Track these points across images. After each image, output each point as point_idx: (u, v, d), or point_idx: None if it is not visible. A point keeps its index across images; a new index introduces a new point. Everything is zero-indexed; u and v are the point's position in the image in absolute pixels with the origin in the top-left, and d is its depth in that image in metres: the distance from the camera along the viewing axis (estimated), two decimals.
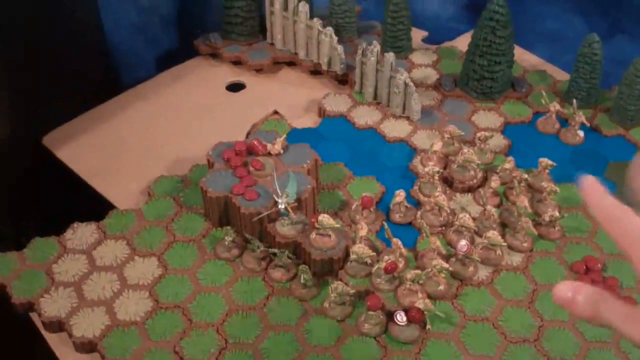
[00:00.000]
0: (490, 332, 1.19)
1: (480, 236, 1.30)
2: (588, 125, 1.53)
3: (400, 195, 1.35)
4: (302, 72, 1.72)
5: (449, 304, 1.23)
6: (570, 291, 0.70)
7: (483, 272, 1.27)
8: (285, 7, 1.67)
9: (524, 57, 1.76)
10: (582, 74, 1.56)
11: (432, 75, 1.70)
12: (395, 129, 1.55)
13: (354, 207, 1.35)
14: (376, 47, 1.55)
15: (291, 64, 1.74)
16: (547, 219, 1.32)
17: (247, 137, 1.53)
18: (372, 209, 1.35)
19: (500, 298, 1.24)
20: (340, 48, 1.63)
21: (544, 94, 1.57)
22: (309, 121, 1.59)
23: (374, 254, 1.25)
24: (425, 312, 1.18)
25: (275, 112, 1.61)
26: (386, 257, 1.24)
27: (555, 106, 1.54)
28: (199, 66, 1.74)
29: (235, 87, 1.70)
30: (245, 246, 1.29)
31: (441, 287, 1.23)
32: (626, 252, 0.67)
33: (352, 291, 1.20)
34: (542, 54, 1.79)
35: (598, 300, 0.68)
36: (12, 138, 1.44)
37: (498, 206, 1.38)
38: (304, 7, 1.63)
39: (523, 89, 1.64)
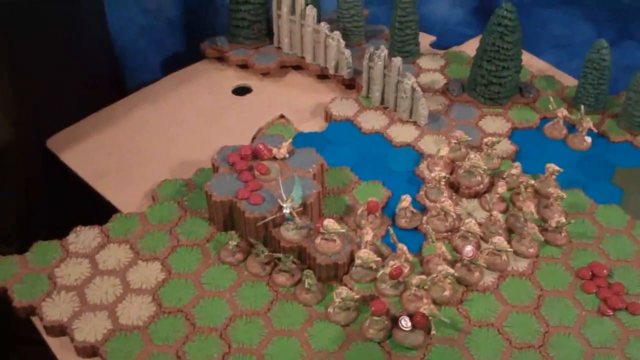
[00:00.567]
0: (496, 338, 1.18)
1: (486, 242, 1.29)
2: (595, 131, 1.52)
3: (406, 200, 1.34)
4: (309, 76, 1.72)
5: (454, 309, 1.22)
6: None
7: (489, 278, 1.26)
8: (293, 11, 1.66)
9: (532, 63, 1.75)
10: (590, 79, 1.55)
11: (439, 80, 1.69)
12: (402, 133, 1.54)
13: (359, 211, 1.34)
14: (384, 51, 1.55)
15: (298, 67, 1.73)
16: (553, 224, 1.31)
17: (252, 141, 1.52)
18: (377, 214, 1.34)
19: (506, 304, 1.23)
20: (347, 52, 1.62)
21: (551, 99, 1.56)
22: (316, 125, 1.58)
23: (379, 259, 1.24)
24: (430, 318, 1.17)
25: (282, 116, 1.60)
26: (391, 263, 1.23)
27: (562, 112, 1.53)
28: (205, 70, 1.74)
29: (242, 91, 1.69)
30: (250, 251, 1.28)
31: (446, 293, 1.22)
32: None
33: (356, 296, 1.19)
34: (550, 60, 1.78)
35: None
36: (17, 141, 1.44)
37: (504, 212, 1.37)
38: (311, 11, 1.62)
39: (531, 95, 1.63)
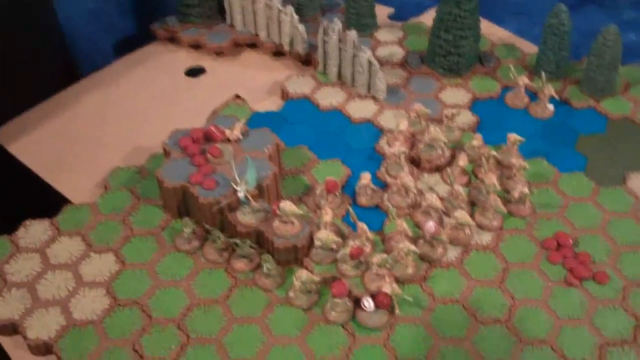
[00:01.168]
0: (461, 314, 1.15)
1: (449, 216, 1.26)
2: (558, 98, 1.50)
3: (366, 177, 1.31)
4: (264, 54, 1.67)
5: (417, 287, 1.19)
6: None
7: (452, 253, 1.24)
8: None
9: (492, 31, 1.72)
10: (551, 45, 1.52)
11: (398, 52, 1.66)
12: (360, 109, 1.51)
13: (318, 191, 1.31)
14: (337, 24, 1.50)
15: (252, 45, 1.69)
16: (516, 196, 1.28)
17: (207, 123, 1.48)
18: (337, 193, 1.30)
19: (470, 279, 1.20)
20: (302, 27, 1.58)
21: (512, 68, 1.53)
22: (272, 104, 1.54)
23: (339, 239, 1.21)
24: (393, 297, 1.14)
25: (237, 97, 1.56)
26: (352, 242, 1.20)
27: (523, 80, 1.51)
28: (156, 52, 1.69)
29: (195, 72, 1.64)
30: (206, 237, 1.25)
31: (409, 270, 1.19)
32: None
33: (317, 279, 1.16)
34: (511, 28, 1.75)
35: None
36: None
37: (467, 185, 1.34)
38: None
39: (491, 64, 1.60)
